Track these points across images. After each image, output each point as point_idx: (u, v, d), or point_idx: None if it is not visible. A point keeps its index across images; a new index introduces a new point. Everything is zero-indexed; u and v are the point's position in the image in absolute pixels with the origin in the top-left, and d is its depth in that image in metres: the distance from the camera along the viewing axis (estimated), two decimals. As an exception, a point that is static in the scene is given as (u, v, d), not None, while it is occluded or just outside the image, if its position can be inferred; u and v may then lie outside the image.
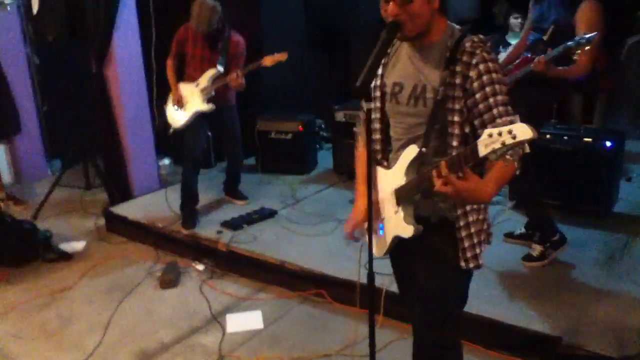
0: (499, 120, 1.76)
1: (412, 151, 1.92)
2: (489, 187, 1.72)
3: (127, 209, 4.89)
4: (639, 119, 6.09)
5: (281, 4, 6.26)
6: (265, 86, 6.23)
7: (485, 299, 3.16)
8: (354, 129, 2.30)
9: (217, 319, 3.45)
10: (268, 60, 4.22)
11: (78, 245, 4.52)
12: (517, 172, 1.77)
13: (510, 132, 1.47)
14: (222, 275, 4.00)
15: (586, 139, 4.11)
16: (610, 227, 3.92)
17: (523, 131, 1.46)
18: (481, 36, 1.86)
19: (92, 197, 5.58)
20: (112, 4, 4.82)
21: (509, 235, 3.91)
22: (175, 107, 4.49)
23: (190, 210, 4.52)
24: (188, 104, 4.45)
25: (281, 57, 4.21)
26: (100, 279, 4.04)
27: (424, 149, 1.89)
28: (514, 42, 5.12)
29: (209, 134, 5.15)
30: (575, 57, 3.13)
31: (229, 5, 4.50)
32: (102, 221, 4.94)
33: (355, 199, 2.24)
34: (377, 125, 2.08)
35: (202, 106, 4.41)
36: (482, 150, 1.53)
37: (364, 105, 1.88)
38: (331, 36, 6.61)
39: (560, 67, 3.23)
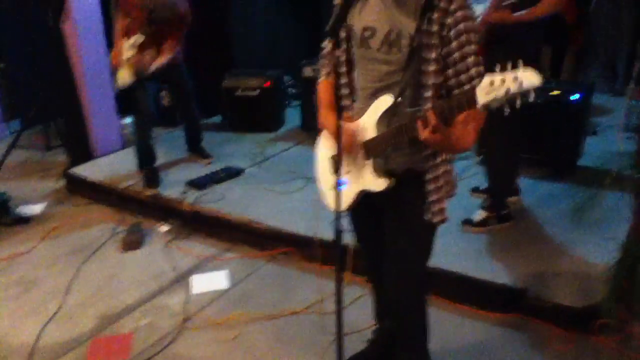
0: (472, 71, 1.71)
1: (385, 101, 1.83)
2: (472, 134, 1.69)
3: (88, 170, 4.74)
4: (607, 72, 6.10)
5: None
6: (232, 43, 6.06)
7: (452, 254, 3.16)
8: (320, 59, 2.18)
9: (182, 279, 3.39)
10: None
11: (37, 208, 4.39)
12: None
13: (516, 78, 1.38)
14: (188, 235, 3.92)
15: (554, 92, 4.08)
16: (576, 181, 3.95)
17: (530, 77, 1.38)
18: None
19: (53, 158, 5.42)
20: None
21: (476, 190, 3.90)
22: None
23: (150, 170, 4.39)
24: (125, 64, 4.17)
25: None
26: (61, 241, 3.93)
27: (399, 99, 1.81)
28: None
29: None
30: None
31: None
32: (62, 183, 4.80)
33: (324, 121, 2.06)
34: (343, 69, 1.98)
35: (127, 78, 4.16)
36: (482, 98, 1.46)
37: (335, 51, 1.79)
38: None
39: (525, 12, 3.09)
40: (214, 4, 5.71)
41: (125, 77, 4.16)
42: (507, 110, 1.46)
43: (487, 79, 1.44)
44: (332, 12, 1.97)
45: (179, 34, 4.19)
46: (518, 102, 1.43)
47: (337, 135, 1.76)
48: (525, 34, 3.16)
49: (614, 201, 3.22)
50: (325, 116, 2.06)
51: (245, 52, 6.15)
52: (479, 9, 5.49)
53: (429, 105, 1.74)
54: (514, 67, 1.43)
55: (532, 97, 1.40)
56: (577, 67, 6.17)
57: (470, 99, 1.50)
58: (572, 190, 3.83)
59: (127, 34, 4.16)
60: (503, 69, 1.45)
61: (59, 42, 4.85)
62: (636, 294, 2.70)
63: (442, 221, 1.98)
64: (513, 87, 1.39)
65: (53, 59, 4.93)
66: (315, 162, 2.27)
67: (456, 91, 1.73)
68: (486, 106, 1.47)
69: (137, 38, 4.08)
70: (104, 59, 5.02)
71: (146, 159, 4.41)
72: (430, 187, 1.92)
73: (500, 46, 3.18)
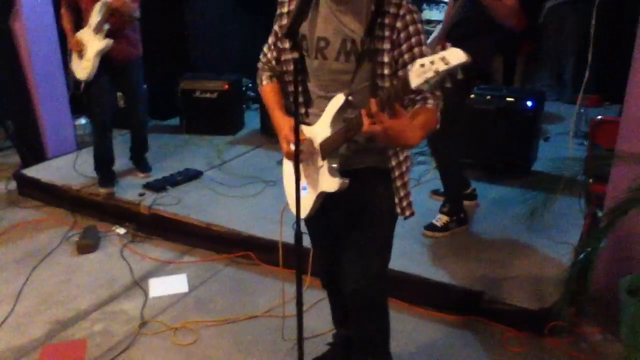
0: None
1: (338, 100, 1.85)
2: (417, 131, 1.72)
3: (41, 171, 4.61)
4: (555, 80, 6.30)
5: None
6: (190, 45, 6.00)
7: (410, 257, 3.21)
8: (258, 70, 2.18)
9: (139, 283, 3.33)
10: None
11: (-14, 211, 4.24)
12: (437, 126, 1.80)
13: (443, 58, 1.43)
14: (145, 239, 3.86)
15: (508, 99, 4.19)
16: (530, 185, 4.05)
17: (456, 55, 1.43)
18: None
19: (3, 160, 5.24)
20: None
21: (436, 193, 3.98)
22: (77, 56, 4.06)
23: (106, 171, 4.28)
24: (88, 50, 4.00)
25: None
26: (11, 245, 3.80)
27: (350, 97, 1.83)
28: None
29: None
30: None
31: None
32: (13, 185, 4.64)
33: (277, 124, 2.04)
34: (297, 77, 1.98)
35: (100, 45, 3.96)
36: (414, 81, 1.50)
37: (292, 54, 1.79)
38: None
39: None
40: (169, 4, 5.64)
41: (94, 47, 3.98)
42: (438, 94, 1.57)
43: (417, 62, 1.49)
44: (273, 19, 1.97)
45: None
46: (447, 83, 1.48)
47: (289, 138, 1.80)
48: (481, 37, 3.23)
49: (566, 205, 3.34)
50: (279, 118, 2.04)
51: (201, 55, 6.10)
52: (433, 14, 5.60)
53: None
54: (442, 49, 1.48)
55: (459, 75, 1.46)
56: (526, 75, 6.36)
57: (404, 83, 1.53)
58: (526, 195, 3.91)
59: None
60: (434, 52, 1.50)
61: (9, 41, 4.71)
62: (587, 296, 2.79)
63: (411, 214, 2.03)
64: (441, 67, 1.44)
65: (3, 59, 4.78)
66: (276, 166, 2.26)
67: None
68: (419, 88, 1.51)
69: (100, 4, 3.91)
70: (56, 57, 4.91)
71: (103, 162, 4.29)
72: (398, 182, 1.98)
73: (456, 30, 3.26)
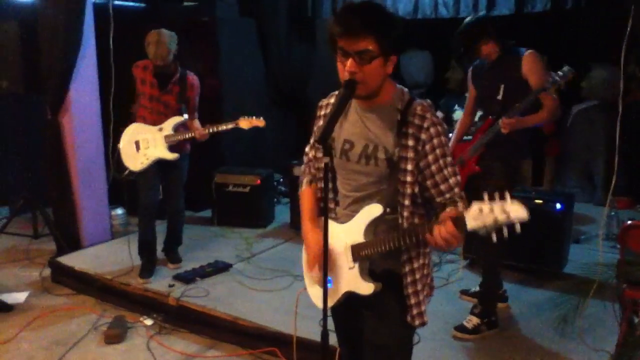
0: (451, 181, 1.89)
1: (375, 210, 1.94)
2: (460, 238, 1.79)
3: (75, 260, 4.71)
4: (585, 182, 6.32)
5: (241, 62, 6.35)
6: (224, 140, 6.24)
7: None
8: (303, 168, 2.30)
9: (164, 377, 3.31)
10: (244, 123, 4.14)
11: (20, 296, 4.32)
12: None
13: (504, 211, 1.53)
14: (171, 331, 3.85)
15: (537, 201, 4.21)
16: (561, 288, 3.98)
17: (517, 211, 1.52)
18: (429, 100, 1.95)
19: (39, 247, 5.37)
20: (69, 58, 4.75)
21: (465, 293, 3.94)
22: (135, 147, 4.28)
23: (147, 260, 4.38)
24: (149, 148, 4.24)
25: (259, 122, 4.15)
26: (41, 332, 3.84)
27: (387, 209, 1.92)
28: None
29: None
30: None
31: (190, 62, 4.52)
32: (47, 272, 4.74)
33: (305, 234, 2.17)
34: (328, 176, 2.09)
35: (166, 154, 4.22)
36: (471, 223, 1.61)
37: (323, 159, 1.89)
38: (290, 95, 6.72)
39: (529, 116, 3.32)
40: (206, 100, 5.94)
41: (158, 152, 4.24)
42: (494, 237, 1.60)
43: (476, 207, 1.59)
44: (314, 120, 2.11)
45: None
46: (505, 232, 1.58)
47: (315, 251, 1.98)
48: (513, 141, 3.35)
49: (602, 311, 3.27)
50: (307, 229, 2.16)
51: (234, 149, 6.33)
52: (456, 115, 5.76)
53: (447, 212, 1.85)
54: (502, 197, 1.57)
55: (518, 229, 1.55)
56: (556, 177, 6.39)
57: (460, 223, 1.66)
58: (557, 299, 3.84)
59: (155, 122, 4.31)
60: (491, 198, 1.59)
61: (56, 133, 4.96)
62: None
63: (422, 324, 2.04)
64: (501, 218, 1.54)
65: (48, 150, 5.02)
66: (302, 260, 2.30)
67: (439, 199, 1.90)
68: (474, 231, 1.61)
69: (185, 117, 4.26)
70: (98, 150, 5.14)
71: (146, 250, 4.41)
72: (409, 290, 1.99)
73: (491, 152, 3.37)
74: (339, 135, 2.02)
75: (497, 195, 1.59)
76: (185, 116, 4.29)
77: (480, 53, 3.49)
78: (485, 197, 1.60)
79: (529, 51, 3.35)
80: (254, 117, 4.15)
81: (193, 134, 4.22)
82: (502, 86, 3.38)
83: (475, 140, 3.52)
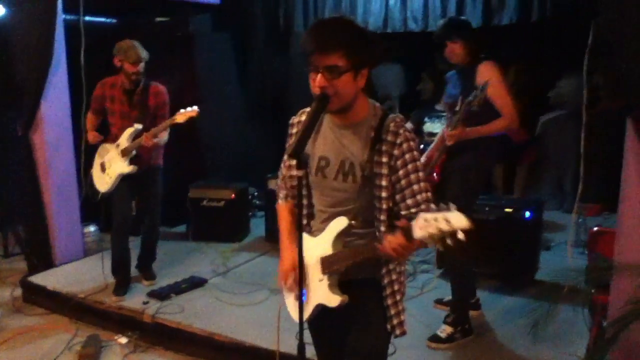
0: (418, 197, 1.91)
1: (341, 223, 1.98)
2: (419, 247, 1.83)
3: (47, 279, 4.65)
4: (556, 190, 6.44)
5: (219, 75, 6.36)
6: (202, 155, 6.24)
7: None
8: (276, 186, 2.33)
9: (139, 395, 3.28)
10: (180, 117, 3.99)
11: (-10, 318, 4.24)
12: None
13: (446, 219, 1.59)
14: (147, 348, 3.82)
15: (507, 209, 4.28)
16: (532, 294, 4.06)
17: (459, 220, 1.58)
18: (401, 115, 1.98)
19: (10, 266, 5.29)
20: (41, 74, 4.70)
21: (439, 302, 3.97)
22: (100, 168, 4.29)
23: (121, 277, 4.35)
24: (111, 167, 4.23)
25: (192, 113, 4.00)
26: (13, 353, 3.77)
27: (353, 222, 1.96)
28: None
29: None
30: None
31: (165, 77, 4.52)
32: (19, 291, 4.66)
33: (281, 251, 2.22)
34: (303, 192, 2.11)
35: (124, 168, 4.16)
36: (418, 233, 1.67)
37: (295, 172, 1.91)
38: (268, 107, 6.75)
39: (480, 126, 3.31)
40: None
41: (118, 168, 4.18)
42: (440, 247, 1.67)
43: (421, 216, 1.65)
44: (288, 137, 2.14)
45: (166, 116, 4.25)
46: (449, 241, 1.62)
47: (290, 270, 2.03)
48: (480, 149, 3.39)
49: (573, 315, 3.33)
50: (285, 246, 2.21)
51: (213, 164, 6.32)
52: (435, 127, 5.85)
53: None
54: (447, 207, 1.63)
55: (461, 236, 1.60)
56: (527, 185, 6.50)
57: (407, 233, 1.72)
58: (530, 305, 3.91)
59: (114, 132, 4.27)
60: (439, 209, 1.65)
61: (27, 151, 4.89)
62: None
63: (402, 333, 2.07)
64: (444, 227, 1.60)
65: (20, 167, 4.96)
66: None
67: (404, 212, 1.93)
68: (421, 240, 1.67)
69: (136, 127, 4.14)
70: (71, 168, 5.08)
71: (120, 267, 4.37)
72: (389, 301, 2.03)
73: (456, 159, 3.41)
74: (313, 153, 2.05)
75: (442, 205, 1.66)
76: (138, 126, 4.14)
77: (447, 52, 3.46)
78: (432, 206, 1.70)
79: (486, 61, 3.36)
80: (188, 108, 4.00)
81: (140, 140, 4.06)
82: (460, 97, 3.41)
83: (431, 156, 3.53)
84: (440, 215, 1.60)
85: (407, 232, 1.71)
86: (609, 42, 2.73)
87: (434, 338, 3.48)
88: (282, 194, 2.27)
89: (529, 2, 4.42)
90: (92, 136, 4.33)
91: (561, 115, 6.21)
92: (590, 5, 2.95)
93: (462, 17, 4.18)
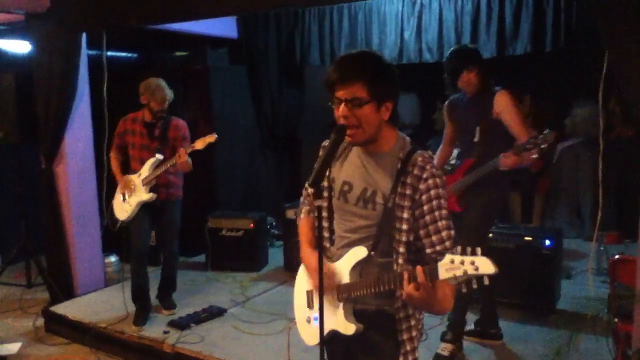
0: (443, 234, 1.89)
1: (360, 252, 1.99)
2: (449, 302, 1.84)
3: (69, 308, 4.69)
4: (573, 217, 6.40)
5: (232, 105, 6.48)
6: (217, 185, 6.31)
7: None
8: (294, 215, 2.38)
9: None
10: (199, 143, 4.09)
11: (13, 347, 4.27)
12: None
13: (473, 263, 1.60)
14: (167, 378, 3.84)
15: (527, 238, 4.27)
16: (553, 324, 4.01)
17: (486, 265, 1.59)
18: (430, 152, 1.99)
19: (33, 296, 5.35)
20: (64, 107, 4.83)
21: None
22: (122, 198, 4.40)
23: (141, 307, 4.38)
24: (132, 196, 4.35)
25: (210, 138, 4.08)
26: (35, 384, 3.81)
27: (372, 253, 1.97)
28: None
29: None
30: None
31: (183, 108, 4.62)
32: (41, 321, 4.71)
33: (304, 258, 2.21)
34: (324, 214, 2.13)
35: (144, 196, 4.29)
36: (443, 274, 1.67)
37: (315, 202, 1.94)
38: (281, 138, 6.83)
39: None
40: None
41: (138, 196, 4.30)
42: (463, 289, 1.67)
43: (448, 258, 1.66)
44: (305, 163, 2.19)
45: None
46: (474, 284, 1.63)
47: (316, 273, 1.89)
48: (493, 180, 3.41)
49: (592, 345, 3.29)
50: (307, 254, 2.20)
51: (227, 194, 6.39)
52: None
53: (418, 266, 1.82)
54: (473, 252, 1.64)
55: (486, 281, 1.61)
56: (545, 213, 6.47)
57: (432, 273, 1.70)
58: (551, 333, 3.88)
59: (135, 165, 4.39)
60: (464, 252, 1.66)
61: (50, 182, 5.00)
62: None
63: None
64: (470, 270, 1.61)
65: (42, 199, 5.05)
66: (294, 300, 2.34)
67: (429, 250, 1.91)
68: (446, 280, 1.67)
69: (157, 157, 4.28)
70: (93, 199, 5.17)
71: (139, 296, 4.41)
72: (404, 336, 2.00)
73: (474, 190, 3.44)
74: (339, 177, 2.08)
75: (469, 248, 1.65)
76: (159, 156, 4.29)
77: (462, 81, 3.50)
78: (458, 249, 1.68)
79: (501, 90, 3.41)
80: (207, 135, 4.10)
81: (173, 163, 4.16)
82: (478, 128, 3.45)
83: (456, 179, 3.56)
84: (467, 259, 1.61)
85: (433, 272, 1.70)
86: (618, 73, 2.75)
87: (438, 357, 3.54)
88: (305, 208, 2.32)
89: (542, 33, 4.47)
90: (122, 181, 4.44)
91: (578, 143, 6.22)
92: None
93: (471, 45, 4.23)
